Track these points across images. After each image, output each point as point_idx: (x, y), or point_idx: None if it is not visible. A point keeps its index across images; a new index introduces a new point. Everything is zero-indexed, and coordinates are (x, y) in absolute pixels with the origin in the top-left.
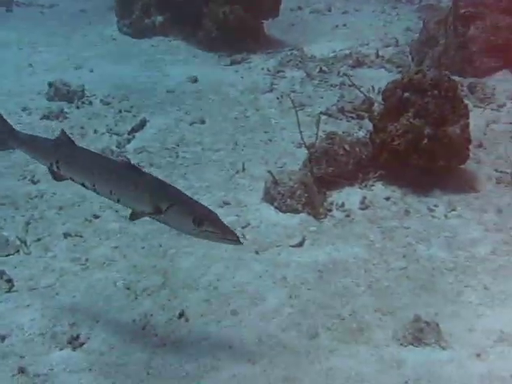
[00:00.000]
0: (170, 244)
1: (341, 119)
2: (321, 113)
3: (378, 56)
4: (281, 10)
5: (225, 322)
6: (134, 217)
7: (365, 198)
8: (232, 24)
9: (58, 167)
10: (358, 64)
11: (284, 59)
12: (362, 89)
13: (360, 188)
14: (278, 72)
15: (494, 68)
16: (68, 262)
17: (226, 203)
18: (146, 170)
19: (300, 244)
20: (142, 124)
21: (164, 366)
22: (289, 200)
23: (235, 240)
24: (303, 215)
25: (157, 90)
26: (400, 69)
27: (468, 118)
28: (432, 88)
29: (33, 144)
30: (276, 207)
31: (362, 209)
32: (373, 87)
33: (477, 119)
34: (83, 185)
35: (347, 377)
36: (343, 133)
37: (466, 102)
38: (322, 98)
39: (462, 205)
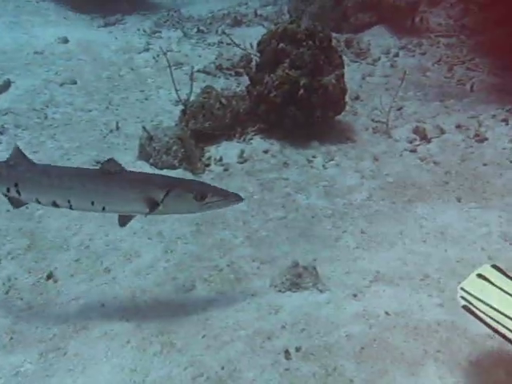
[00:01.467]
0: (38, 206)
1: (219, 77)
2: (198, 70)
3: (256, 15)
4: None
5: (97, 280)
6: (124, 221)
7: (243, 151)
8: None
9: (17, 191)
10: (237, 23)
11: (160, 20)
12: (240, 46)
13: (238, 142)
14: (155, 33)
15: (369, 23)
16: None
17: (99, 163)
18: (11, 131)
19: None
20: (6, 85)
21: (29, 330)
22: (165, 156)
23: (238, 199)
24: (180, 171)
25: (23, 52)
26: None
27: (343, 68)
28: (306, 38)
29: None
30: (152, 164)
31: (241, 162)
32: (251, 44)
33: (353, 73)
34: (54, 204)
35: (224, 326)
36: (221, 89)
37: (344, 57)
38: (199, 56)
39: (340, 154)
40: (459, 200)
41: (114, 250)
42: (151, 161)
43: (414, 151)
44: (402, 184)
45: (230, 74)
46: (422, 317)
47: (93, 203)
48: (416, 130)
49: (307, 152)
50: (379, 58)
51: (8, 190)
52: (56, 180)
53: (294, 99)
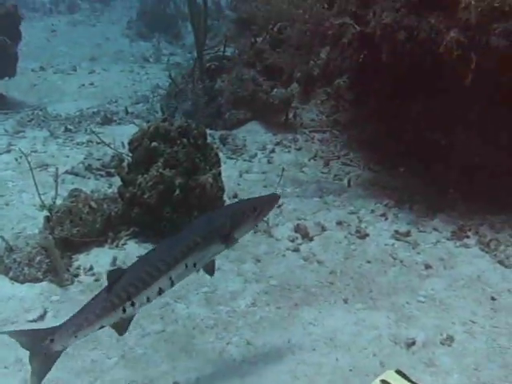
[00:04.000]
0: None
1: (89, 177)
2: (66, 172)
3: (127, 113)
4: (20, 70)
5: None
6: (213, 268)
7: (116, 258)
8: None
9: (132, 303)
10: (107, 121)
11: (24, 119)
12: (111, 145)
13: (110, 247)
14: (18, 132)
15: (244, 120)
16: None
17: None
18: None
19: (41, 317)
20: None
21: None
22: (27, 268)
23: (278, 197)
24: (45, 284)
25: None
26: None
27: (220, 166)
28: (180, 136)
29: (89, 321)
30: (12, 278)
31: None
32: (123, 143)
33: (230, 170)
34: (160, 292)
35: None
36: (91, 192)
37: (220, 154)
38: (67, 156)
39: (220, 257)
40: (346, 301)
41: None
42: (11, 274)
43: (296, 250)
44: (286, 287)
45: (101, 175)
46: None
47: (186, 266)
48: (297, 228)
49: None
50: (255, 155)
51: (124, 311)
52: (157, 267)
53: (169, 200)
